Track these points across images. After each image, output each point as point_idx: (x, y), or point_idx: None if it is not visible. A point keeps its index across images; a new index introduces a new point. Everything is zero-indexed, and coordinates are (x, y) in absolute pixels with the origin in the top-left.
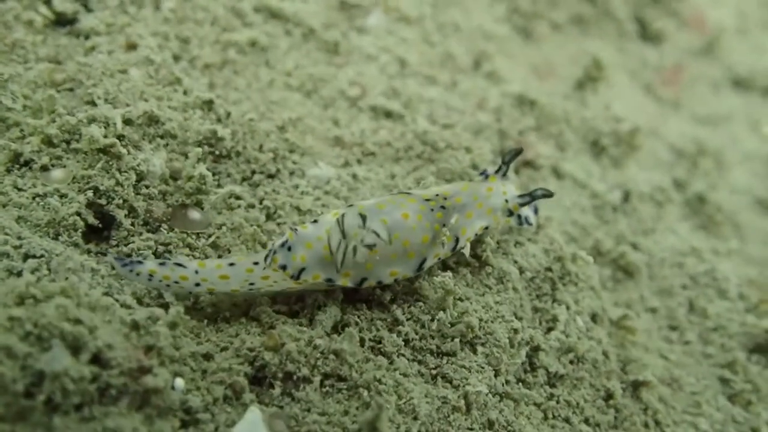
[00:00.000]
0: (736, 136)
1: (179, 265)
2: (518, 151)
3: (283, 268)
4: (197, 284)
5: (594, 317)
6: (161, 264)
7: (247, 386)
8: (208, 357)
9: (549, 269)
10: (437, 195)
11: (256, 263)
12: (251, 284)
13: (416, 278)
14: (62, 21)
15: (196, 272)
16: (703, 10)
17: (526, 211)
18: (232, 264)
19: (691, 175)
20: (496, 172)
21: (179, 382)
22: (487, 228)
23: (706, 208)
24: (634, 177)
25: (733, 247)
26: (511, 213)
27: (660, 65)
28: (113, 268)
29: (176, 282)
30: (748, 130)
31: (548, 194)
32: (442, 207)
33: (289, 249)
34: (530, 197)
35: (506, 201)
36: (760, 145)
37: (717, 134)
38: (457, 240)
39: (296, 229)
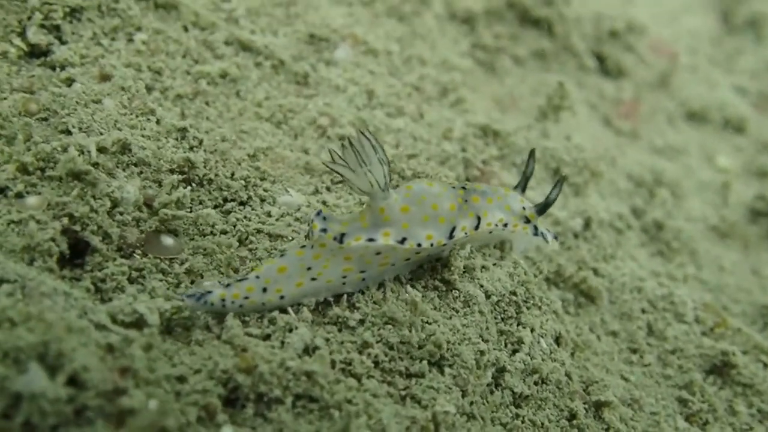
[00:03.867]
0: (691, 167)
1: (240, 279)
2: (532, 156)
3: (324, 231)
4: (264, 289)
5: (557, 340)
6: (226, 286)
7: (220, 407)
8: (182, 379)
9: (513, 293)
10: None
11: (303, 246)
12: (308, 269)
13: (384, 300)
14: (36, 53)
15: (257, 277)
16: (662, 37)
17: (543, 228)
18: (282, 254)
19: (648, 204)
20: (515, 187)
21: (153, 404)
22: (506, 226)
23: (663, 235)
24: (595, 205)
25: (689, 273)
26: (528, 221)
27: (618, 98)
28: (188, 306)
29: (246, 297)
30: (702, 162)
31: (562, 181)
32: (463, 188)
33: (325, 219)
34: (545, 203)
35: (524, 208)
36: (713, 175)
37: (673, 165)
38: (479, 219)
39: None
